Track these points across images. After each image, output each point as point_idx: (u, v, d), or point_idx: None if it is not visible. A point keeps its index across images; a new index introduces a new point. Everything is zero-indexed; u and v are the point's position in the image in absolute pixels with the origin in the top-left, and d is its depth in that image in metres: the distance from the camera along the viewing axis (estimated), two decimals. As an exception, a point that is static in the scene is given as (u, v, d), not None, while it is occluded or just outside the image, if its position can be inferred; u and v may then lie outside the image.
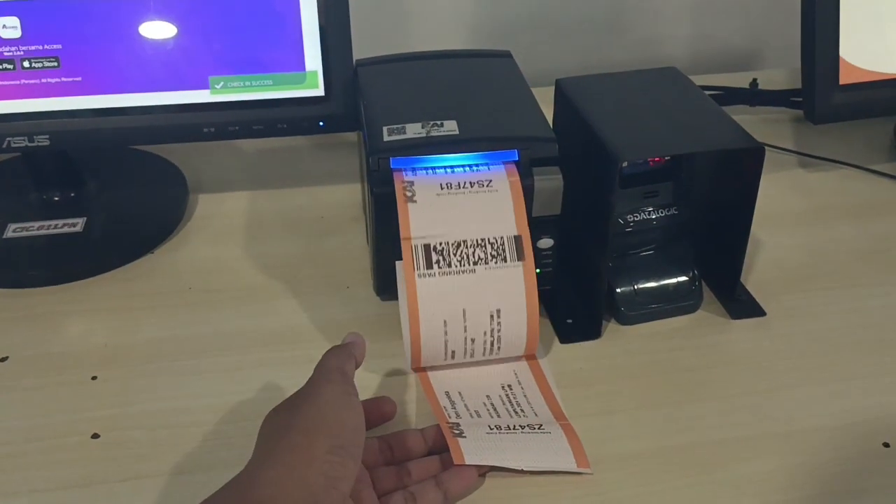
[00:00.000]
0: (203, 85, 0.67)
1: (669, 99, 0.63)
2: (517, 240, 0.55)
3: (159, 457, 0.51)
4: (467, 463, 0.48)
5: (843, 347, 0.60)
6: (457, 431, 0.50)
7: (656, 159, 0.60)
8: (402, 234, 0.54)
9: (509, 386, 0.56)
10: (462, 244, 0.54)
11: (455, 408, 0.53)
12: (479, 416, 0.53)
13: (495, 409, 0.54)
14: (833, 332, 0.61)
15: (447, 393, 0.55)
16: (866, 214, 0.75)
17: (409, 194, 0.55)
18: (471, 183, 0.56)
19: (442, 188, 0.56)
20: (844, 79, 0.72)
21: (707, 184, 0.62)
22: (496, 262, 0.54)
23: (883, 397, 0.56)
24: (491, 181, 0.56)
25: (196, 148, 0.78)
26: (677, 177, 0.62)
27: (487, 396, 0.55)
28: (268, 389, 0.56)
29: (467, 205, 0.55)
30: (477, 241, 0.54)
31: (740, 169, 0.58)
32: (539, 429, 0.52)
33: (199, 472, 0.50)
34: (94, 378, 0.57)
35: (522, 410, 0.54)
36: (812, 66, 0.71)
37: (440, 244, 0.54)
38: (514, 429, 0.51)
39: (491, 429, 0.51)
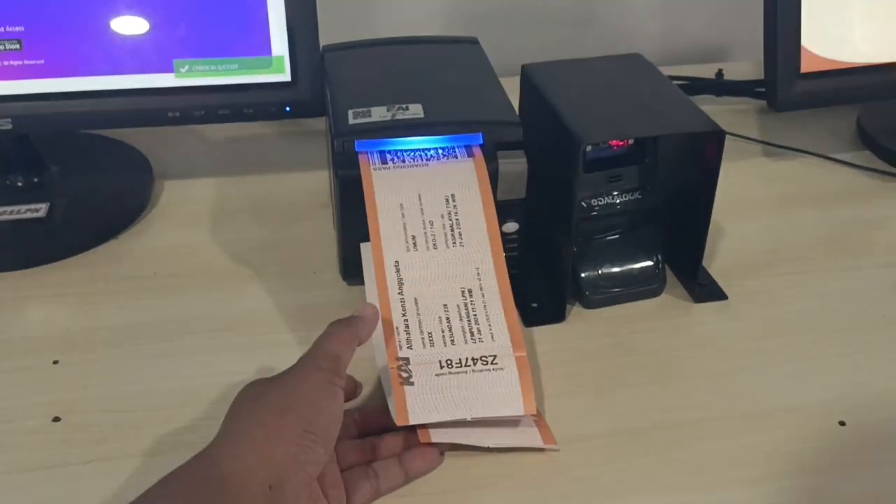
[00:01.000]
0: (168, 68, 0.66)
1: (633, 84, 0.63)
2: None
3: (122, 439, 0.51)
4: (412, 422, 0.48)
5: (802, 331, 0.61)
6: (405, 374, 0.50)
7: (620, 143, 0.61)
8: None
9: (469, 291, 0.54)
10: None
11: (408, 328, 0.52)
12: (431, 341, 0.52)
13: (450, 329, 0.52)
14: (792, 316, 0.62)
15: (402, 301, 0.53)
16: (827, 202, 0.76)
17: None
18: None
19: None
20: (806, 67, 0.73)
21: (671, 169, 0.63)
22: (447, 160, 0.56)
23: (839, 378, 0.57)
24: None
25: (162, 134, 0.78)
26: (641, 161, 0.62)
27: (445, 306, 0.53)
28: (233, 374, 0.55)
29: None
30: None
31: (702, 154, 0.59)
32: (492, 362, 0.51)
33: (163, 455, 0.50)
34: (55, 362, 0.56)
35: (479, 330, 0.53)
36: (774, 54, 0.72)
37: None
38: (465, 364, 0.51)
39: (441, 367, 0.51)
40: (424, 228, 0.55)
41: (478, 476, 0.49)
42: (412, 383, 0.50)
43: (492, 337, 0.53)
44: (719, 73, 0.93)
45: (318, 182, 0.75)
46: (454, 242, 0.55)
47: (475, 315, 0.53)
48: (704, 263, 0.64)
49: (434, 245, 0.55)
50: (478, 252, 0.55)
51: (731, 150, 0.74)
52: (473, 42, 0.70)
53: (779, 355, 0.59)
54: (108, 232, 0.69)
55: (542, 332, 0.60)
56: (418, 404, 0.49)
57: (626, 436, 0.52)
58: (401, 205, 0.55)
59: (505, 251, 0.59)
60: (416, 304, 0.53)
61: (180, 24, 0.65)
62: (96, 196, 0.72)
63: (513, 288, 0.62)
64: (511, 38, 0.99)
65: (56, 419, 0.52)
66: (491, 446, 0.50)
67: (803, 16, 0.71)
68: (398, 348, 0.51)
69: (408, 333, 0.52)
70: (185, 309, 0.61)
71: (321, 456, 0.42)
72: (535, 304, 0.62)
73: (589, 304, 0.62)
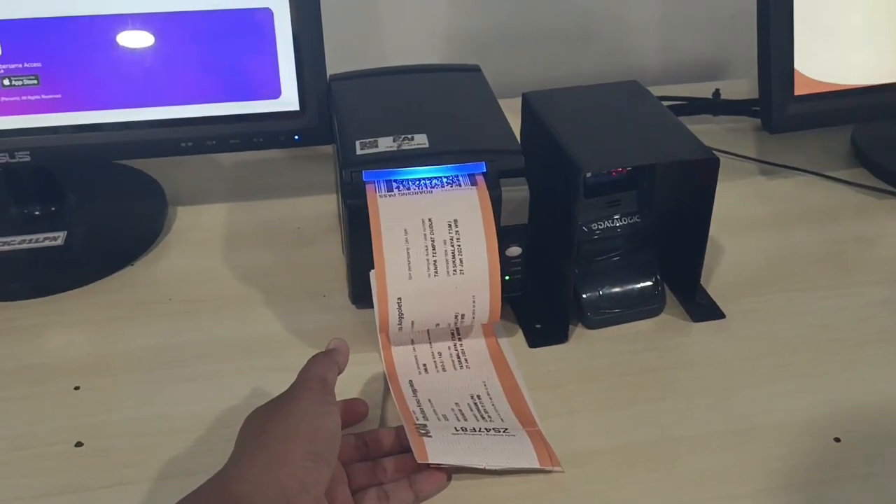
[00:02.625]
0: (180, 101, 0.69)
1: (631, 112, 0.66)
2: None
3: (142, 463, 0.53)
4: (430, 461, 0.50)
5: (799, 348, 0.63)
6: (423, 431, 0.52)
7: (619, 170, 0.63)
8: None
9: (478, 396, 0.58)
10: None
11: (423, 412, 0.55)
12: (446, 419, 0.55)
13: (463, 415, 0.56)
14: (789, 334, 0.64)
15: (417, 400, 0.57)
16: (822, 220, 0.78)
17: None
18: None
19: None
20: (799, 90, 0.75)
21: (668, 193, 0.65)
22: (451, 188, 0.59)
23: (835, 394, 0.59)
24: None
25: (175, 161, 0.80)
26: (639, 186, 0.64)
27: (456, 404, 0.57)
28: (247, 396, 0.58)
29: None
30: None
31: (698, 178, 0.61)
32: (504, 432, 0.54)
33: (181, 478, 0.52)
34: (76, 388, 0.58)
35: (489, 416, 0.56)
36: (768, 78, 0.74)
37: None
38: (479, 431, 0.54)
39: (457, 430, 0.53)
40: (427, 255, 0.57)
41: (483, 496, 0.51)
42: (431, 437, 0.52)
43: (501, 419, 0.56)
44: (716, 93, 0.95)
45: (326, 205, 0.77)
46: (455, 270, 0.57)
47: (485, 409, 0.57)
48: (702, 282, 0.66)
49: (435, 272, 0.57)
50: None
51: (728, 169, 0.76)
52: (475, 70, 0.72)
53: (775, 373, 0.61)
54: (125, 259, 0.71)
55: (545, 353, 0.62)
56: (437, 449, 0.51)
57: (626, 452, 0.54)
58: (405, 230, 0.57)
59: (508, 275, 0.61)
60: (430, 402, 0.57)
61: (192, 58, 0.68)
62: (112, 223, 0.74)
63: (516, 309, 0.65)
64: (511, 57, 1.02)
65: (79, 444, 0.54)
66: (488, 467, 0.51)
67: (796, 40, 0.73)
68: (415, 419, 0.54)
69: (423, 413, 0.55)
70: (200, 333, 0.63)
71: (324, 475, 0.44)
72: (538, 326, 0.64)
73: (591, 325, 0.64)
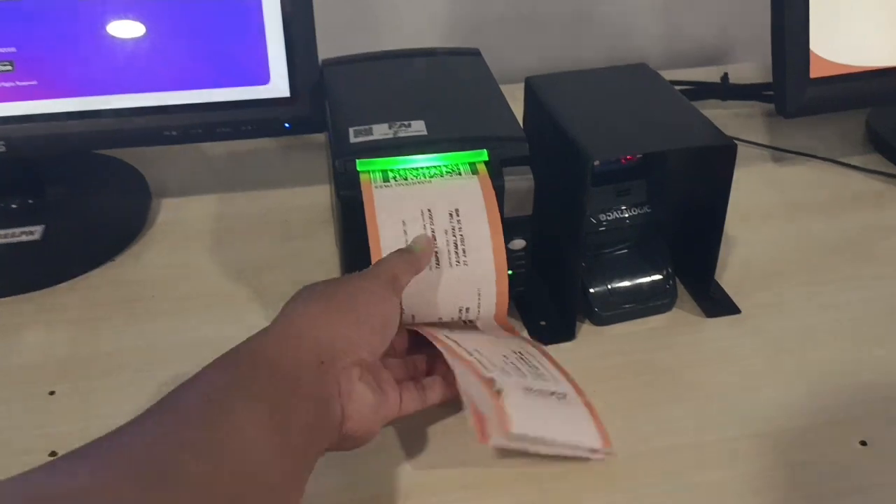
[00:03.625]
0: (163, 87, 0.65)
1: (640, 96, 0.62)
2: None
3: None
4: (515, 431, 0.45)
5: (819, 344, 0.59)
6: (497, 387, 0.47)
7: (628, 157, 0.59)
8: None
9: (520, 353, 0.53)
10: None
11: (481, 363, 0.50)
12: (506, 372, 0.50)
13: (518, 369, 0.51)
14: (809, 328, 0.61)
15: (466, 350, 0.51)
16: (839, 208, 0.75)
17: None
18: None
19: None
20: (815, 72, 0.71)
21: (680, 181, 0.61)
22: (451, 177, 0.55)
23: (860, 394, 0.55)
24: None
25: (159, 151, 0.76)
26: (650, 175, 0.61)
27: (504, 357, 0.52)
28: (234, 400, 0.54)
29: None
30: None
31: (713, 166, 0.58)
32: (564, 398, 0.50)
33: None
34: (51, 393, 0.55)
35: (544, 376, 0.52)
36: (783, 60, 0.71)
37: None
38: (544, 393, 0.49)
39: (527, 390, 0.49)
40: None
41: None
42: (508, 397, 0.47)
43: (555, 380, 0.52)
44: (724, 78, 0.91)
45: (318, 197, 0.74)
46: (458, 261, 0.53)
47: (534, 364, 0.53)
48: (715, 275, 0.63)
49: (437, 263, 0.53)
50: (482, 271, 0.54)
51: (739, 156, 0.73)
52: (475, 53, 0.68)
53: (795, 371, 0.57)
54: (105, 254, 0.67)
55: (551, 352, 0.58)
56: (518, 414, 0.46)
57: (641, 460, 0.51)
58: (403, 222, 0.53)
59: (512, 269, 0.57)
60: (479, 351, 0.52)
61: (175, 41, 0.64)
62: (92, 217, 0.70)
63: (520, 306, 0.61)
64: (512, 41, 0.98)
65: (53, 454, 0.50)
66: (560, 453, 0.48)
67: (812, 21, 0.70)
68: (481, 369, 0.49)
69: (481, 363, 0.50)
70: (185, 333, 0.60)
71: (376, 346, 0.44)
72: (543, 323, 0.60)
73: (599, 321, 0.61)
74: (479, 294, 0.54)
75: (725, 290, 0.64)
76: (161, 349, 0.58)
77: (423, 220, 0.53)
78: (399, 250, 0.51)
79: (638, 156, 0.60)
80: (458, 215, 0.54)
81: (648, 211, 0.61)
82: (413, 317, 0.54)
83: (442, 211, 0.54)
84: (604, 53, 1.02)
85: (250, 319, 0.61)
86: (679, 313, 0.62)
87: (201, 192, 0.75)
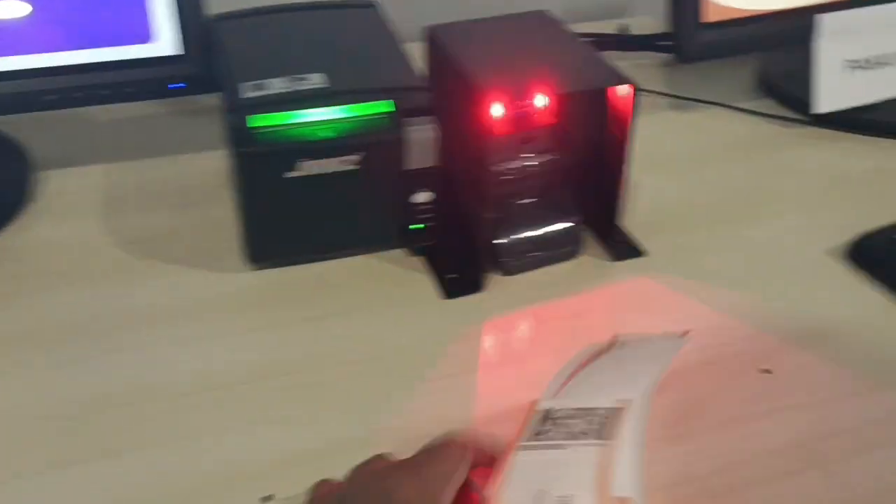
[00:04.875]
0: (40, 48, 0.61)
1: (541, 42, 0.61)
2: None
3: (16, 457, 0.46)
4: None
5: (723, 282, 0.61)
6: None
7: (530, 103, 0.59)
8: None
9: None
10: None
11: None
12: None
13: None
14: (714, 269, 0.62)
15: None
16: (736, 152, 0.77)
17: None
18: None
19: None
20: (709, 17, 0.72)
21: (584, 127, 0.61)
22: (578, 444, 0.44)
23: (764, 327, 0.57)
24: None
25: (40, 119, 0.71)
26: (553, 121, 0.60)
27: None
28: (134, 377, 0.51)
29: None
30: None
31: (615, 109, 0.58)
32: None
33: (64, 468, 0.45)
34: (-69, 379, 0.51)
35: None
36: (678, 5, 0.71)
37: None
38: None
39: None
40: None
41: None
42: None
43: None
44: (623, 29, 0.92)
45: (213, 163, 0.71)
46: None
47: None
48: (622, 222, 0.63)
49: None
50: None
51: (641, 105, 0.73)
52: (371, 6, 0.66)
53: (700, 310, 0.58)
54: (-15, 231, 0.63)
55: (461, 304, 0.58)
56: None
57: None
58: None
59: (419, 222, 0.56)
60: None
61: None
62: (-32, 192, 0.66)
63: (430, 259, 0.60)
64: None
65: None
66: None
67: (704, -36, 0.71)
68: None
69: None
70: (76, 310, 0.56)
71: None
72: (452, 276, 0.60)
73: (508, 271, 0.60)
74: None
75: (635, 235, 0.64)
76: (51, 329, 0.55)
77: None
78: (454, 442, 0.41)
79: (540, 102, 0.59)
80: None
81: (554, 158, 0.61)
82: None
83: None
84: (504, 9, 1.00)
85: (149, 292, 0.58)
86: (587, 259, 0.62)
87: (89, 163, 0.71)
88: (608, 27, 0.93)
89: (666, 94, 0.84)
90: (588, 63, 0.58)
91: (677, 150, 0.76)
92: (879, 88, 0.78)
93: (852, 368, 0.54)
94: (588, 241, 0.63)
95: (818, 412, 0.51)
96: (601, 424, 0.45)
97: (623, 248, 0.63)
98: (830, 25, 0.73)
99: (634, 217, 0.66)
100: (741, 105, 0.82)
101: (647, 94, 0.83)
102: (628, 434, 0.44)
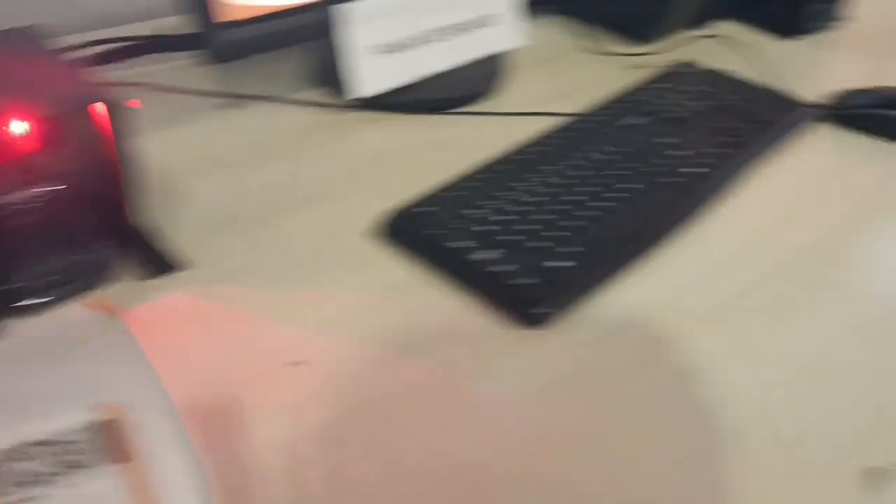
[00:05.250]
0: None
1: (18, 64, 0.56)
2: None
3: None
4: None
5: (264, 282, 0.62)
6: None
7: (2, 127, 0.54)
8: None
9: None
10: None
11: None
12: None
13: None
14: (257, 269, 0.63)
15: None
16: (289, 144, 0.77)
17: None
18: None
19: None
20: (222, 17, 0.72)
21: (84, 150, 0.57)
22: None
23: (294, 316, 0.59)
24: None
25: None
26: (53, 147, 0.56)
27: None
28: None
29: None
30: None
31: (102, 129, 0.55)
32: None
33: None
34: None
35: None
36: (188, 6, 0.70)
37: None
38: None
39: None
40: None
41: None
42: None
43: None
44: (156, 32, 0.88)
45: None
46: None
47: None
48: (171, 234, 0.61)
49: None
50: None
51: (184, 109, 0.72)
52: None
53: (236, 315, 0.59)
54: None
55: None
56: None
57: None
58: None
59: None
60: None
61: None
62: None
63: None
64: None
65: None
66: None
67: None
68: None
69: None
70: None
71: None
72: None
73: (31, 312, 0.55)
74: None
75: (187, 246, 0.63)
76: None
77: None
78: None
79: (17, 129, 0.54)
80: None
81: (58, 186, 0.56)
82: None
83: None
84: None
85: None
86: (123, 284, 0.59)
87: None
88: (143, 29, 0.89)
89: (214, 94, 0.83)
90: (66, 83, 0.55)
91: (229, 151, 0.76)
92: (409, 70, 0.83)
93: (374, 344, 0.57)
94: (126, 262, 0.60)
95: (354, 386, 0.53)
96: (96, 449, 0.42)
97: (159, 264, 0.61)
98: (350, 16, 0.77)
99: (187, 227, 0.65)
100: (294, 97, 0.83)
101: (191, 96, 0.82)
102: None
